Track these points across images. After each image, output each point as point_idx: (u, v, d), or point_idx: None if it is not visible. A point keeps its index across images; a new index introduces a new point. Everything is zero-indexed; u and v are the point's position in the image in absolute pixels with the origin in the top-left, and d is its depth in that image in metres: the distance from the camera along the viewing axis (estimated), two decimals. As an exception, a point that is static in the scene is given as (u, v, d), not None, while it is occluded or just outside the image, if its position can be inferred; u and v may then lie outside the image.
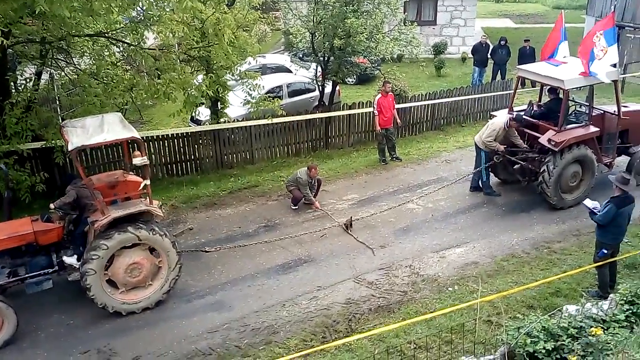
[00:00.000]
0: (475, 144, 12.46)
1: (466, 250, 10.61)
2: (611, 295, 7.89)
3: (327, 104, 16.29)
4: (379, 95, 14.33)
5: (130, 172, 9.96)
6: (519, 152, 12.16)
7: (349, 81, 20.54)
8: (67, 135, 8.67)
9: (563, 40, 12.18)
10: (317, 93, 16.89)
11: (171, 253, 8.99)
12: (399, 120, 14.81)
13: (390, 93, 14.51)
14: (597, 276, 9.14)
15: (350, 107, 15.52)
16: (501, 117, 12.21)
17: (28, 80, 11.30)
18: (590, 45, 11.06)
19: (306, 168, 12.31)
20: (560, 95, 11.97)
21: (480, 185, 12.68)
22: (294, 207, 12.40)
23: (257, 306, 9.17)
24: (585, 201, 9.16)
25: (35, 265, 8.84)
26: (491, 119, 12.50)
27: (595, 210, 8.73)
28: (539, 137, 11.61)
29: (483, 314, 8.53)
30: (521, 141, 12.08)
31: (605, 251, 8.77)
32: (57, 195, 9.39)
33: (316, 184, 12.55)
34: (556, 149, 11.16)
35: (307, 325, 8.71)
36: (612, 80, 11.59)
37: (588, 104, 11.98)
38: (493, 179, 12.92)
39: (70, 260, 8.91)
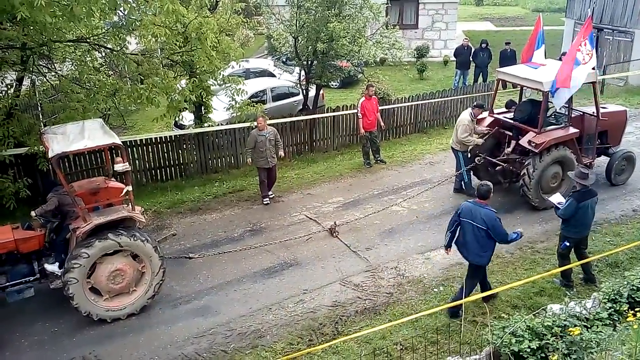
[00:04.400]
0: (452, 148, 12.61)
1: (451, 251, 10.65)
2: (594, 293, 8.00)
3: (311, 107, 16.32)
4: (363, 98, 14.40)
5: (112, 179, 9.90)
6: (500, 154, 12.33)
7: (332, 85, 20.61)
8: (47, 142, 8.59)
9: (538, 47, 12.32)
10: (301, 97, 16.94)
11: (154, 258, 8.93)
12: (382, 124, 14.88)
13: (374, 96, 14.58)
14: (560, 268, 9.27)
15: (334, 111, 15.56)
16: (464, 113, 12.48)
17: (9, 86, 11.18)
18: (574, 54, 11.15)
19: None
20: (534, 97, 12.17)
21: (463, 187, 12.79)
22: (266, 202, 12.56)
23: (244, 310, 9.15)
24: (551, 197, 9.38)
25: (16, 273, 8.73)
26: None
27: (559, 206, 8.94)
28: (519, 139, 11.75)
29: (468, 315, 8.61)
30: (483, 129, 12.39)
31: (567, 244, 8.98)
32: (40, 201, 9.30)
33: (274, 139, 12.54)
34: (536, 151, 11.29)
35: (294, 329, 8.71)
36: (591, 82, 11.76)
37: (567, 106, 12.14)
38: (475, 180, 13.04)
39: (52, 267, 8.82)
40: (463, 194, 12.73)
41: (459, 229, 8.57)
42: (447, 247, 8.81)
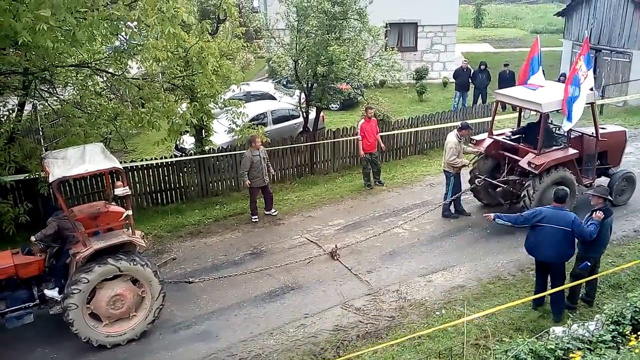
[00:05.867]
0: (444, 171, 12.70)
1: (452, 274, 10.63)
2: (597, 315, 7.93)
3: (311, 130, 16.39)
4: (362, 120, 14.47)
5: (113, 203, 9.90)
6: (499, 175, 12.36)
7: (332, 107, 20.72)
8: (48, 167, 8.61)
9: (536, 70, 12.38)
10: (301, 119, 17.00)
11: (154, 283, 8.88)
12: (382, 146, 14.93)
13: (374, 118, 14.65)
14: (570, 289, 9.23)
15: (334, 134, 15.61)
16: (450, 136, 12.57)
17: (11, 111, 11.25)
18: (574, 72, 11.27)
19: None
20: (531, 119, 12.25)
21: (462, 208, 12.80)
22: (254, 219, 12.68)
23: (244, 335, 9.07)
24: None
25: (16, 299, 8.67)
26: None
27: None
28: (518, 160, 11.77)
29: (471, 338, 8.53)
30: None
31: (589, 263, 8.92)
32: (40, 226, 9.28)
33: (266, 157, 12.82)
34: (536, 172, 11.30)
35: (295, 354, 8.62)
36: (589, 103, 11.81)
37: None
38: (476, 202, 13.08)
39: (52, 293, 8.77)
40: (463, 215, 12.72)
41: (532, 233, 8.96)
42: (499, 219, 9.36)
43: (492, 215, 9.45)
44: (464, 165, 12.44)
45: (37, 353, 8.73)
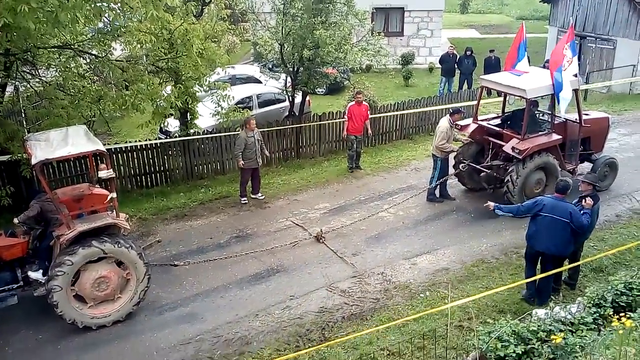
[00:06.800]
0: (433, 155, 12.74)
1: (437, 257, 10.73)
2: (579, 298, 8.07)
3: (297, 114, 16.35)
4: (352, 102, 14.50)
5: (96, 185, 9.83)
6: (484, 160, 12.46)
7: (318, 91, 20.63)
8: (30, 149, 8.51)
9: (521, 59, 12.44)
10: (287, 103, 16.96)
11: (138, 265, 8.86)
12: (370, 131, 14.94)
13: (365, 104, 14.65)
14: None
15: (320, 118, 15.60)
16: (442, 121, 12.61)
17: (-8, 92, 11.08)
18: (561, 58, 11.34)
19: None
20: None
21: (447, 192, 12.90)
22: (243, 201, 12.75)
23: (230, 317, 9.11)
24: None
25: (0, 280, 8.62)
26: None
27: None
28: (503, 146, 11.85)
29: (454, 319, 8.65)
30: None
31: (572, 248, 9.02)
32: (23, 209, 9.20)
33: (260, 139, 12.84)
34: (520, 157, 11.40)
35: (281, 335, 8.68)
36: (573, 90, 11.90)
37: (550, 112, 12.29)
38: (460, 187, 13.19)
39: (36, 275, 8.73)
40: (448, 200, 12.82)
41: (533, 223, 8.90)
42: (499, 210, 9.29)
43: (492, 205, 9.33)
44: (452, 151, 12.51)
45: (22, 334, 8.69)
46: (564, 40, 11.73)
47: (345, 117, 14.45)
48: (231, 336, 8.68)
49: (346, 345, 8.28)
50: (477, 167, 12.46)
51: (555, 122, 12.19)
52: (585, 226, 8.63)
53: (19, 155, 10.44)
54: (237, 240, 11.44)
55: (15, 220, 8.58)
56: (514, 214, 9.34)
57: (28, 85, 11.57)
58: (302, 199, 13.21)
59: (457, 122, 12.57)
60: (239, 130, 13.17)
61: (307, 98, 17.00)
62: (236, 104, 14.70)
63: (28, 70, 11.42)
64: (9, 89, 11.99)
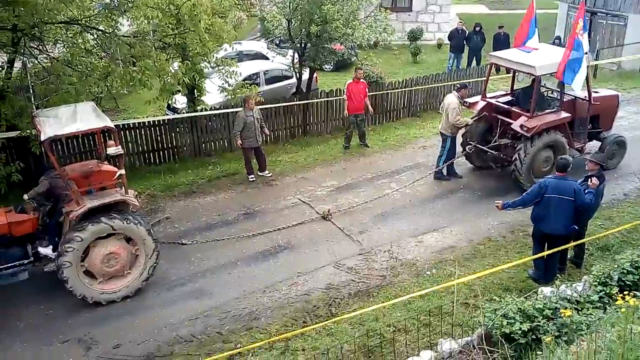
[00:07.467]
0: (441, 133, 12.63)
1: (443, 235, 10.77)
2: (585, 276, 8.10)
3: (304, 90, 16.28)
4: (350, 81, 14.39)
5: (105, 162, 9.87)
6: (492, 138, 12.40)
7: (326, 68, 20.52)
8: (39, 125, 8.56)
9: (532, 36, 12.29)
10: (294, 80, 16.86)
11: (147, 241, 8.95)
12: (370, 109, 14.85)
13: (363, 80, 14.54)
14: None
15: (327, 95, 15.52)
16: (450, 97, 12.46)
17: (0, 68, 11.07)
18: (574, 36, 11.20)
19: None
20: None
21: (454, 170, 12.87)
22: (251, 178, 12.80)
23: (238, 293, 9.21)
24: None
25: (10, 256, 8.74)
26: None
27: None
28: (511, 123, 11.78)
29: (460, 297, 8.70)
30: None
31: (576, 227, 8.90)
32: (33, 185, 9.28)
33: (260, 117, 12.77)
34: (528, 135, 11.33)
35: (288, 311, 8.78)
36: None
37: (559, 90, 12.18)
38: (467, 165, 13.15)
39: (46, 251, 8.86)
40: (456, 178, 12.80)
41: (537, 204, 8.82)
42: (509, 207, 9.23)
43: (500, 204, 9.18)
44: (467, 125, 12.37)
45: (32, 309, 8.83)
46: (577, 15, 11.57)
47: (345, 96, 14.35)
48: (239, 312, 8.79)
49: (353, 321, 8.38)
50: (484, 148, 12.41)
51: (564, 99, 12.09)
52: (588, 205, 8.58)
53: (27, 131, 10.47)
54: (244, 217, 11.50)
55: (25, 197, 8.66)
56: (524, 205, 9.13)
57: (36, 61, 11.54)
58: (309, 177, 13.23)
59: (466, 100, 12.48)
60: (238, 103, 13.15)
61: (315, 75, 16.90)
62: (243, 80, 14.63)
63: (35, 46, 11.39)
64: (17, 64, 11.98)
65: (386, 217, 11.41)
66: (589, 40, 13.76)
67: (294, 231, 10.90)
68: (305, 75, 16.42)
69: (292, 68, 16.73)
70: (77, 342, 8.23)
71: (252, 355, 7.83)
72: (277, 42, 20.79)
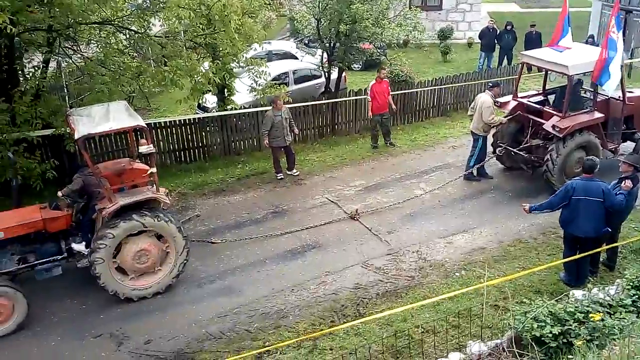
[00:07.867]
0: (473, 133, 12.49)
1: (473, 236, 10.67)
2: (617, 280, 7.94)
3: (333, 90, 16.29)
4: (373, 81, 14.34)
5: (137, 160, 10.03)
6: (523, 138, 12.23)
7: (354, 67, 20.50)
8: (73, 124, 8.73)
9: (565, 35, 12.09)
10: (323, 80, 16.88)
11: (177, 238, 9.06)
12: (394, 106, 14.77)
13: (385, 79, 14.48)
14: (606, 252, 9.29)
15: (356, 94, 15.50)
16: (483, 96, 12.30)
17: (36, 68, 11.34)
18: (608, 35, 11.01)
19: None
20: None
21: (485, 171, 12.73)
22: (279, 177, 12.86)
23: (266, 291, 9.27)
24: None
25: (45, 252, 8.93)
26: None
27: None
28: (543, 124, 11.60)
29: (490, 299, 8.59)
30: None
31: (610, 229, 8.73)
32: (66, 182, 9.48)
33: (289, 117, 12.80)
34: (560, 135, 11.15)
35: (316, 310, 8.80)
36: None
37: (593, 90, 11.95)
38: (498, 165, 12.99)
39: (79, 247, 9.04)
40: (487, 179, 12.66)
41: (566, 207, 8.66)
42: (535, 210, 9.06)
43: (527, 207, 9.06)
44: (501, 123, 12.21)
45: (66, 304, 9.02)
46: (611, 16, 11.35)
47: (368, 96, 14.31)
48: (268, 310, 8.85)
49: (381, 321, 8.36)
50: (514, 150, 12.25)
51: (598, 99, 11.86)
52: (619, 206, 8.39)
53: (62, 130, 10.70)
54: (273, 216, 11.57)
55: (60, 194, 8.85)
56: (551, 209, 8.94)
57: (70, 61, 11.79)
58: (337, 176, 13.23)
59: (497, 99, 12.33)
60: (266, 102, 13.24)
61: (343, 74, 16.90)
62: (272, 80, 14.71)
63: (70, 46, 11.64)
64: (52, 64, 12.25)
65: (415, 218, 11.35)
66: (624, 39, 13.46)
67: (322, 230, 10.92)
68: (334, 75, 16.44)
69: (320, 67, 16.76)
70: (109, 336, 8.39)
71: (280, 353, 7.87)
72: (306, 41, 20.86)
